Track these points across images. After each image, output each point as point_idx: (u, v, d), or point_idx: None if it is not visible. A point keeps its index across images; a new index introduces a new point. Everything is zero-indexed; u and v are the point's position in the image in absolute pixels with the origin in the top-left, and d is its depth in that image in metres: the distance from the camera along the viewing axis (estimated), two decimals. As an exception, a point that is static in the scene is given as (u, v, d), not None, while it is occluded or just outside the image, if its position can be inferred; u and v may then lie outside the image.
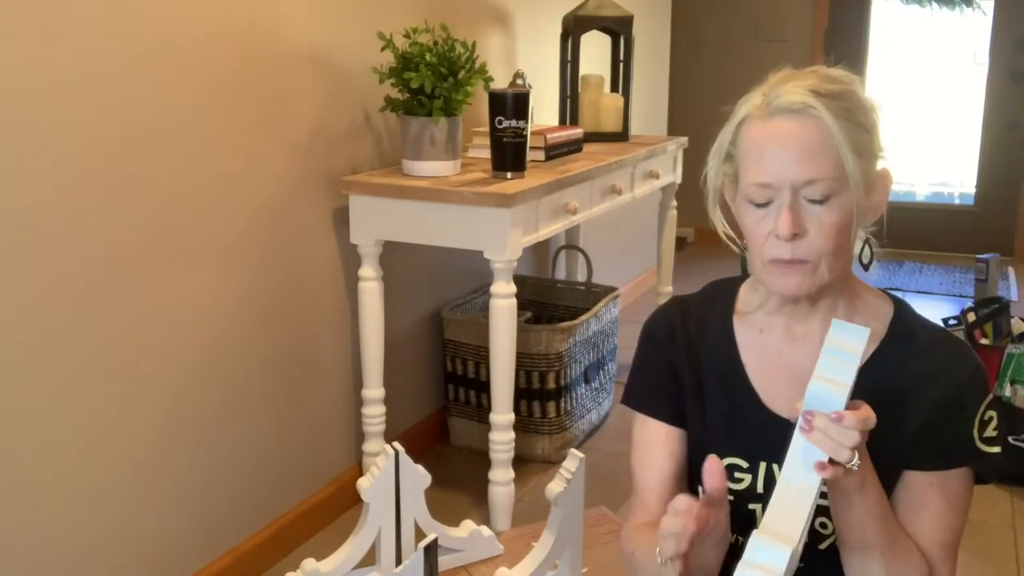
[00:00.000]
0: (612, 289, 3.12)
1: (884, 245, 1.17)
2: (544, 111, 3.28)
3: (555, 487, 1.24)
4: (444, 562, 1.46)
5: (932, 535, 1.09)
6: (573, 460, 1.25)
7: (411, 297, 2.67)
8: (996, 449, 1.10)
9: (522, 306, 2.68)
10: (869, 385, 1.11)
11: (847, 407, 0.95)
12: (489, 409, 2.28)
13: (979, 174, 5.23)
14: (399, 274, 2.54)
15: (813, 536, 1.13)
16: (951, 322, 3.02)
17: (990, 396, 1.11)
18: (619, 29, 3.14)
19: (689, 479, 1.23)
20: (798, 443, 0.96)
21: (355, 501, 2.34)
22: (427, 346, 2.78)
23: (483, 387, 2.66)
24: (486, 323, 2.26)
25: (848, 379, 0.96)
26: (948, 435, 1.09)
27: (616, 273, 3.99)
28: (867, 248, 1.15)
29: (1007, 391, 2.67)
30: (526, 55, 3.23)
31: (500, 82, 2.60)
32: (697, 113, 4.92)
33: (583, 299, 3.13)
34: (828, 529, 1.11)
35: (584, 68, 3.14)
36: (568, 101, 3.09)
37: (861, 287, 1.16)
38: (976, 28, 5.19)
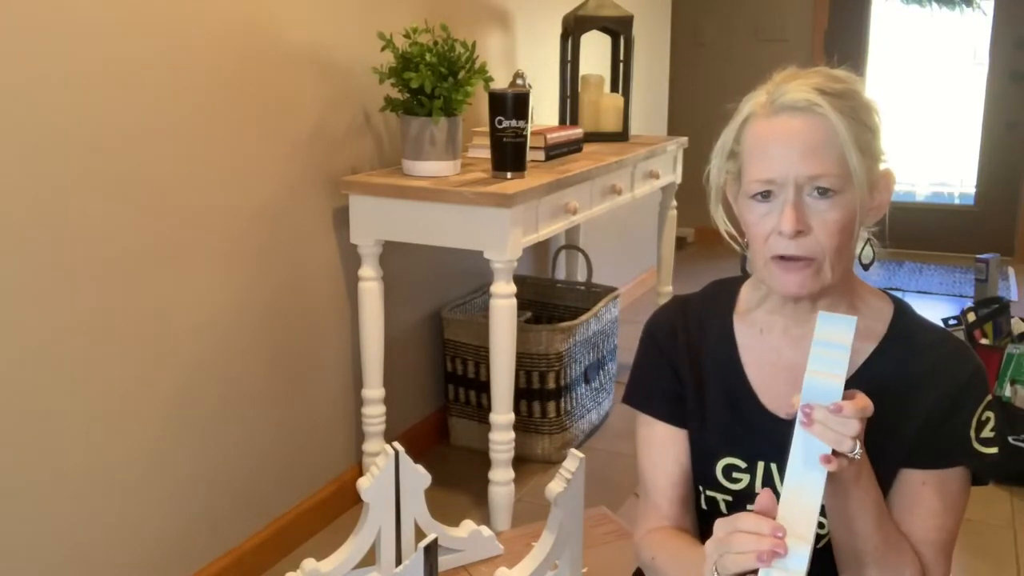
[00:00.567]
0: (612, 289, 3.12)
1: (886, 245, 1.17)
2: (544, 111, 3.28)
3: (555, 487, 1.24)
4: (444, 562, 1.46)
5: (926, 534, 1.09)
6: (573, 460, 1.25)
7: (411, 297, 2.67)
8: (993, 450, 1.10)
9: (522, 306, 2.69)
10: (869, 384, 1.10)
11: (844, 397, 0.96)
12: (489, 409, 2.28)
13: (979, 174, 5.23)
14: (399, 274, 2.54)
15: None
16: (951, 322, 3.02)
17: (989, 397, 1.11)
18: (619, 29, 3.14)
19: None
20: (799, 438, 0.96)
21: (355, 501, 2.34)
22: (427, 346, 2.78)
23: (483, 387, 2.66)
24: (486, 323, 2.26)
25: (841, 370, 0.96)
26: (945, 434, 1.09)
27: (616, 273, 3.99)
28: (868, 248, 1.15)
29: (1007, 391, 2.67)
30: (526, 55, 3.23)
31: (500, 82, 2.60)
32: (697, 113, 4.93)
33: (583, 299, 3.13)
34: (824, 528, 1.11)
35: (584, 68, 3.14)
36: (568, 101, 3.10)
37: (862, 287, 1.16)
38: (976, 28, 5.19)
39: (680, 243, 5.08)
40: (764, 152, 1.06)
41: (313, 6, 2.19)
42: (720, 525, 0.96)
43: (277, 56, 2.09)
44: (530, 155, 2.37)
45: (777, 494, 1.14)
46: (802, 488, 0.95)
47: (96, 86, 1.68)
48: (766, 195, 1.06)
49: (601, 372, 2.97)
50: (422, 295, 2.73)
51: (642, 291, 4.42)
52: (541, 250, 3.42)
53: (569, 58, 3.08)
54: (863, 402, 0.95)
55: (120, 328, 1.77)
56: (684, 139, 3.35)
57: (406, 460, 1.38)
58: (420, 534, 1.29)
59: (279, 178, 2.14)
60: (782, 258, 1.07)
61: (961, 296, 4.49)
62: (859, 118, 1.05)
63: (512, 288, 2.18)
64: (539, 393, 2.69)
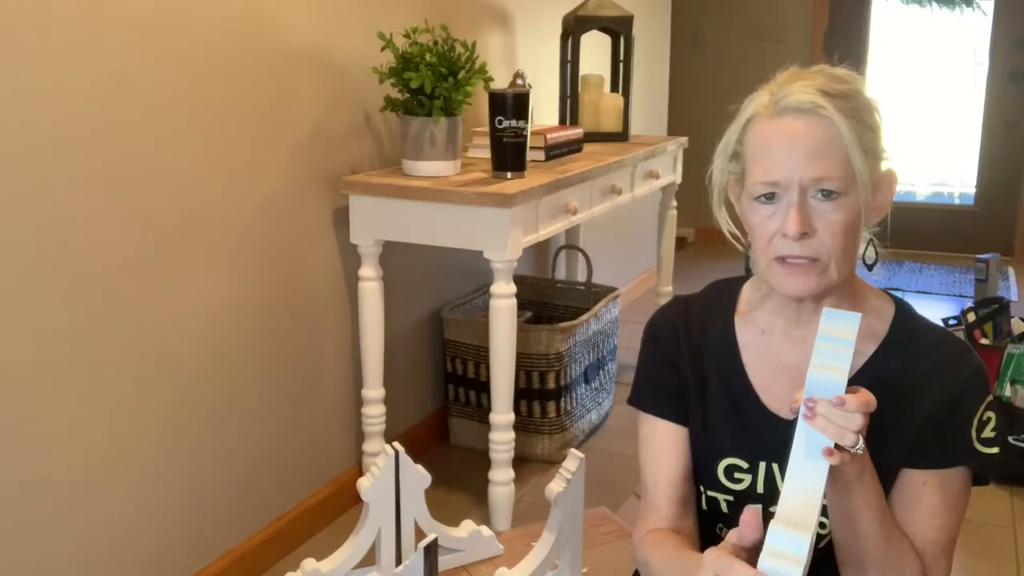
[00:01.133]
0: (612, 289, 3.12)
1: (887, 245, 1.17)
2: (544, 111, 3.28)
3: (555, 487, 1.24)
4: (444, 562, 1.46)
5: (926, 533, 1.09)
6: (573, 460, 1.25)
7: (411, 297, 2.67)
8: (994, 450, 1.10)
9: (522, 306, 2.69)
10: (869, 384, 1.10)
11: (846, 392, 0.96)
12: (489, 409, 2.27)
13: (979, 174, 5.23)
14: (399, 274, 2.54)
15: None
16: (951, 322, 3.02)
17: (990, 397, 1.11)
18: (619, 29, 3.14)
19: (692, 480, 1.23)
20: (802, 432, 0.97)
21: (355, 501, 2.34)
22: (427, 346, 2.78)
23: (483, 387, 2.66)
24: (486, 323, 2.26)
25: (845, 365, 0.97)
26: (946, 434, 1.09)
27: (616, 273, 3.99)
28: (871, 248, 1.15)
29: (1007, 391, 2.67)
30: (526, 55, 3.23)
31: (500, 82, 2.60)
32: (697, 113, 4.93)
33: (583, 299, 3.13)
34: (825, 528, 1.11)
35: (584, 68, 3.14)
36: (568, 101, 3.10)
37: (863, 288, 1.16)
38: (976, 28, 5.19)
39: (680, 243, 5.09)
40: (768, 154, 1.06)
41: (313, 6, 2.19)
42: (712, 565, 0.92)
43: (277, 56, 2.09)
44: (530, 155, 2.37)
45: (777, 495, 1.14)
46: (804, 480, 0.95)
47: (96, 87, 1.68)
48: (770, 197, 1.06)
49: (601, 372, 2.97)
50: (422, 295, 2.73)
51: (642, 291, 4.42)
52: (541, 250, 3.42)
53: (569, 58, 3.08)
54: (866, 396, 0.95)
55: (120, 328, 1.77)
56: (684, 139, 3.35)
57: (406, 460, 1.38)
58: (420, 534, 1.29)
59: (279, 178, 2.14)
60: (786, 260, 1.07)
61: (961, 296, 4.49)
62: (862, 119, 1.05)
63: (512, 288, 2.18)
64: (539, 393, 2.69)
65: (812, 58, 5.12)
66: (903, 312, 1.16)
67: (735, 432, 1.17)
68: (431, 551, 1.12)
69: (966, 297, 4.41)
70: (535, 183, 2.22)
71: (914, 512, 1.10)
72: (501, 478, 2.29)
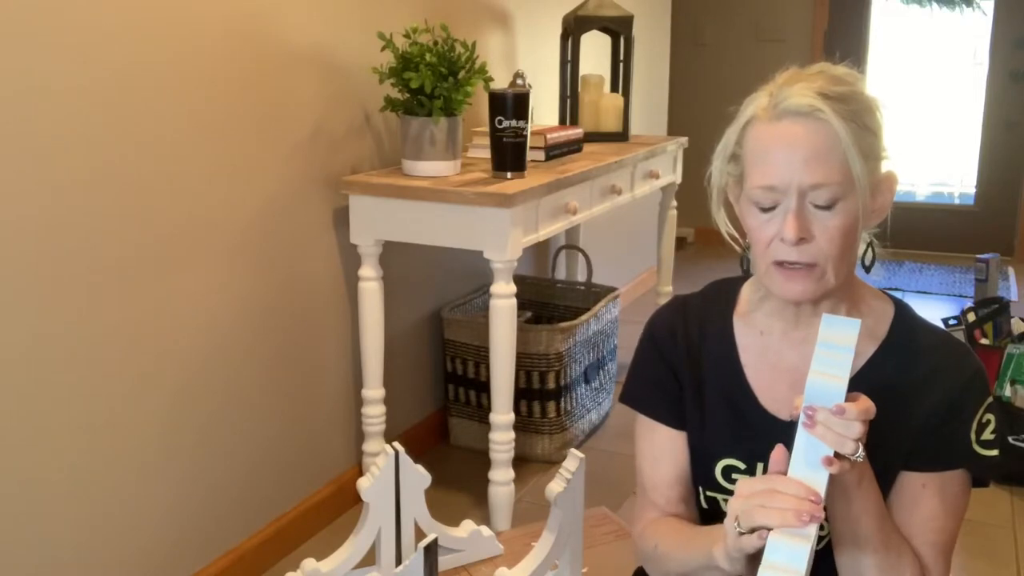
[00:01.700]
0: (612, 289, 3.12)
1: (886, 246, 1.17)
2: (544, 111, 3.28)
3: (555, 487, 1.24)
4: (444, 562, 1.46)
5: (925, 536, 1.09)
6: (573, 460, 1.25)
7: (411, 297, 2.67)
8: (994, 452, 1.09)
9: (522, 306, 2.69)
10: (869, 386, 1.10)
11: (846, 399, 0.96)
12: (489, 409, 2.27)
13: (979, 174, 5.23)
14: (399, 274, 2.54)
15: None
16: (951, 322, 3.02)
17: (989, 399, 1.11)
18: (619, 29, 3.14)
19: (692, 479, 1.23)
20: (801, 440, 0.96)
21: (355, 501, 2.34)
22: (427, 346, 2.78)
23: (483, 387, 2.66)
24: (486, 323, 2.26)
25: (845, 372, 0.96)
26: (945, 436, 1.09)
27: (616, 273, 3.99)
28: (870, 250, 1.15)
29: (1007, 391, 2.67)
30: (526, 55, 3.23)
31: (500, 82, 2.60)
32: (697, 113, 4.93)
33: (583, 299, 3.13)
34: (824, 529, 1.11)
35: (584, 68, 3.14)
36: (568, 101, 3.09)
37: (863, 289, 1.16)
38: (976, 28, 5.19)
39: (680, 243, 5.09)
40: (766, 158, 1.05)
41: (313, 7, 2.19)
42: (750, 482, 0.97)
43: (277, 56, 2.09)
44: (530, 155, 2.37)
45: None
46: (813, 454, 0.95)
47: (95, 88, 1.68)
48: (768, 201, 1.06)
49: (601, 372, 2.97)
50: (422, 295, 2.73)
51: (642, 291, 4.42)
52: (541, 250, 3.42)
53: (569, 58, 3.08)
54: (865, 404, 0.95)
55: (121, 328, 1.77)
56: (684, 139, 3.35)
57: (406, 460, 1.38)
58: (420, 534, 1.29)
59: (279, 178, 2.14)
60: (784, 264, 1.06)
61: (961, 296, 4.49)
62: (861, 121, 1.04)
63: (512, 288, 2.18)
64: (539, 393, 2.69)
65: (812, 58, 5.10)
66: (902, 314, 1.16)
67: (733, 433, 1.17)
68: (431, 551, 1.12)
69: (966, 297, 4.41)
70: (535, 183, 2.22)
71: (913, 515, 1.09)
72: (501, 478, 2.29)
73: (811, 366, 0.98)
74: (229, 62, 1.96)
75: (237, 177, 2.02)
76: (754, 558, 0.98)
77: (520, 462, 2.55)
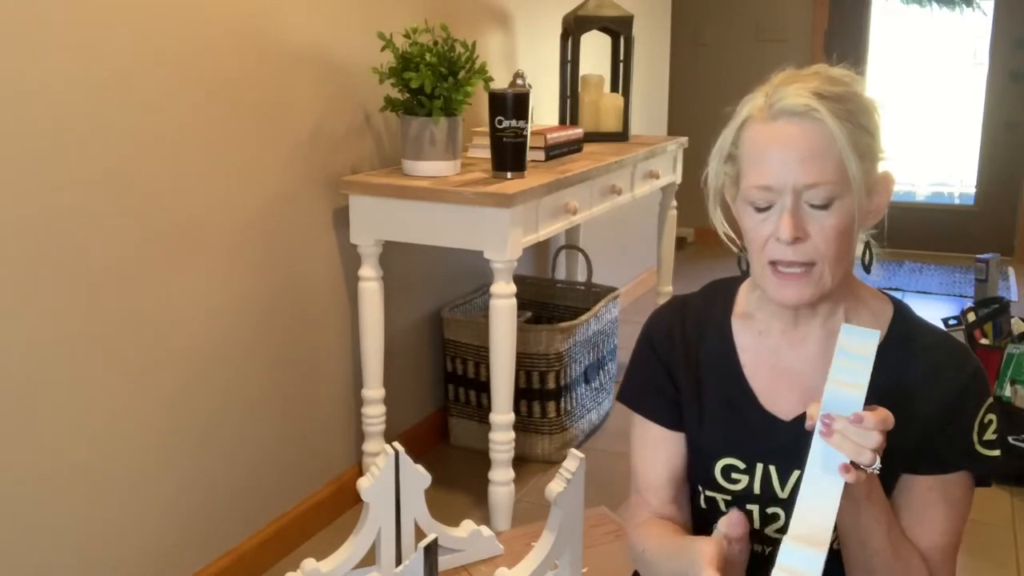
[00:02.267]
0: (612, 289, 3.12)
1: (884, 246, 1.17)
2: (544, 111, 3.28)
3: (555, 487, 1.24)
4: (444, 562, 1.46)
5: (932, 539, 1.09)
6: (573, 460, 1.25)
7: (411, 297, 2.67)
8: (996, 452, 1.09)
9: (522, 306, 2.68)
10: (869, 388, 1.10)
11: (864, 410, 0.95)
12: (489, 409, 2.27)
13: (979, 174, 5.23)
14: (399, 274, 2.54)
15: None
16: (951, 322, 3.02)
17: (990, 399, 1.11)
18: (619, 29, 3.14)
19: (690, 479, 1.23)
20: (817, 447, 0.96)
21: (355, 501, 2.34)
22: (427, 346, 2.78)
23: (483, 387, 2.66)
24: (486, 323, 2.26)
25: (863, 381, 0.96)
26: (948, 439, 1.09)
27: (616, 273, 3.99)
28: (868, 251, 1.15)
29: (1007, 391, 2.67)
30: (526, 55, 3.23)
31: (500, 82, 2.60)
32: (697, 113, 4.93)
33: (583, 299, 3.13)
34: (833, 538, 1.11)
35: (584, 68, 3.14)
36: (568, 101, 3.09)
37: (862, 289, 1.16)
38: (976, 28, 5.19)
39: (680, 243, 5.09)
40: (762, 158, 1.05)
41: (313, 7, 2.19)
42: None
43: (277, 56, 2.09)
44: (530, 155, 2.37)
45: (776, 497, 1.14)
46: (819, 497, 0.94)
47: (95, 88, 1.68)
48: (764, 201, 1.06)
49: (601, 372, 2.97)
50: (422, 295, 2.73)
51: (642, 291, 4.42)
52: (541, 250, 3.42)
53: (569, 58, 3.08)
54: (884, 414, 0.95)
55: (120, 328, 1.77)
56: (684, 139, 3.35)
57: (406, 460, 1.38)
58: (420, 534, 1.29)
59: (279, 178, 2.14)
60: (779, 266, 1.06)
61: (961, 296, 4.48)
62: (857, 121, 1.04)
63: (512, 288, 2.18)
64: (539, 393, 2.69)
65: (812, 58, 5.12)
66: (902, 314, 1.15)
67: (732, 433, 1.17)
68: (431, 551, 1.12)
69: (966, 297, 4.41)
70: (535, 183, 2.22)
71: (918, 518, 1.09)
72: (501, 478, 2.29)
73: (830, 374, 0.97)
74: (229, 62, 1.96)
75: (237, 177, 2.02)
76: (743, 538, 1.00)
77: (520, 462, 2.55)
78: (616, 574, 1.44)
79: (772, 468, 1.14)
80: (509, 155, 2.24)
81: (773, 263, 1.07)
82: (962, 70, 5.38)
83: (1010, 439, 2.58)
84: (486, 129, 2.36)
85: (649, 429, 1.23)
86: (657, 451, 1.22)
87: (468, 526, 1.51)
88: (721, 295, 1.24)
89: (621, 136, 3.10)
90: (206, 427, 2.00)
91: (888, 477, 1.09)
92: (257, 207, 2.08)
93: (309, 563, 1.37)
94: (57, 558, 1.70)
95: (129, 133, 1.75)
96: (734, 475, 1.16)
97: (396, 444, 1.39)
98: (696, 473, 1.21)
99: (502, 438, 2.27)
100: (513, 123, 2.22)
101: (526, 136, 2.25)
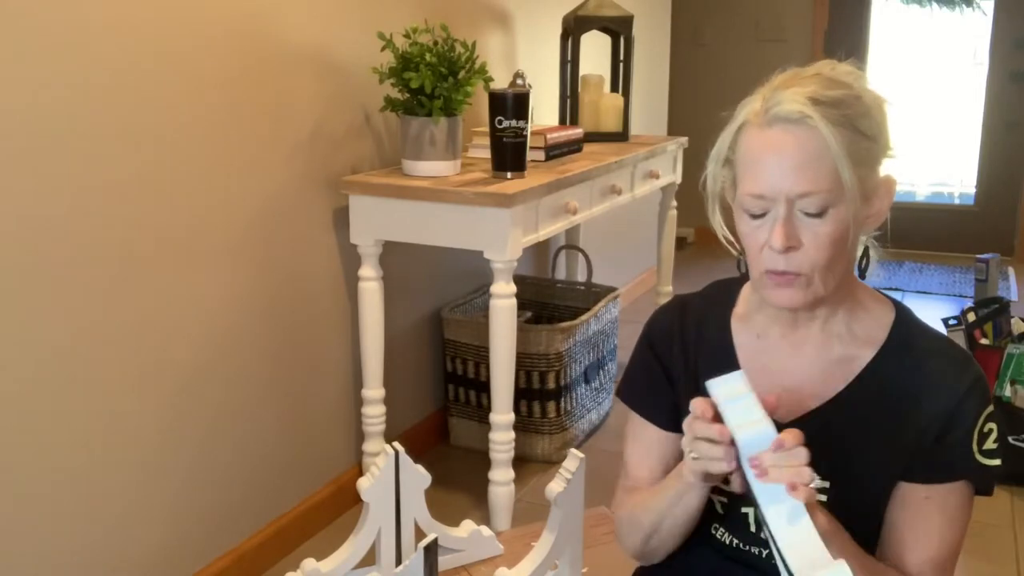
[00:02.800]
0: (612, 289, 3.12)
1: (887, 246, 1.16)
2: (544, 111, 3.28)
3: (555, 487, 1.24)
4: (444, 562, 1.46)
5: (927, 551, 1.08)
6: (573, 460, 1.25)
7: (411, 297, 2.67)
8: (996, 461, 1.08)
9: (522, 306, 2.69)
10: (868, 393, 1.10)
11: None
12: (489, 409, 2.27)
13: (979, 174, 5.23)
14: (399, 274, 2.54)
15: None
16: (951, 322, 3.01)
17: (990, 408, 1.09)
18: (619, 29, 3.14)
19: None
20: (761, 492, 0.95)
21: (355, 501, 2.34)
22: (427, 346, 2.78)
23: (483, 387, 2.66)
24: (486, 323, 2.26)
25: (760, 413, 0.96)
26: (947, 448, 1.07)
27: (616, 273, 3.99)
28: (866, 256, 1.14)
29: (1007, 391, 2.67)
30: (526, 55, 3.23)
31: (500, 82, 2.60)
32: (697, 113, 4.93)
33: (583, 299, 3.13)
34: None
35: (584, 68, 3.14)
36: (568, 101, 3.09)
37: (862, 292, 1.15)
38: (976, 28, 5.19)
39: (680, 243, 5.08)
40: (756, 166, 1.04)
41: (313, 6, 2.19)
42: (685, 427, 1.03)
43: (277, 56, 2.09)
44: (530, 155, 2.37)
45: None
46: (793, 532, 0.93)
47: (94, 88, 1.68)
48: (758, 208, 1.05)
49: (601, 372, 2.97)
50: (422, 295, 2.73)
51: (642, 291, 4.42)
52: (541, 250, 3.42)
53: (569, 58, 3.08)
54: (794, 431, 0.96)
55: (120, 328, 1.77)
56: (684, 139, 3.35)
57: (406, 460, 1.38)
58: (420, 534, 1.29)
59: (279, 178, 2.14)
60: (774, 273, 1.06)
61: (961, 296, 4.49)
62: (855, 126, 1.02)
63: (512, 288, 2.18)
64: (539, 393, 2.69)
65: (812, 58, 5.10)
66: (903, 318, 1.14)
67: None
68: (431, 551, 1.12)
69: (966, 297, 4.41)
70: (535, 183, 2.22)
71: (916, 527, 1.08)
72: (501, 478, 2.29)
73: (729, 426, 0.97)
74: (229, 62, 1.96)
75: (237, 177, 2.02)
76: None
77: (520, 462, 2.55)
78: (616, 574, 1.44)
79: None
80: (509, 155, 2.24)
81: (768, 272, 1.06)
82: (962, 70, 5.38)
83: (1010, 439, 2.57)
84: (486, 129, 2.36)
85: (645, 428, 1.23)
86: (649, 450, 1.23)
87: (468, 526, 1.51)
88: (722, 296, 1.23)
89: (621, 136, 3.10)
90: (206, 427, 2.00)
91: (884, 482, 1.08)
92: (257, 207, 2.08)
93: (309, 563, 1.37)
94: (58, 558, 1.70)
95: (128, 133, 1.75)
96: (729, 477, 1.16)
97: (396, 444, 1.39)
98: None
99: (502, 438, 2.27)
100: (513, 123, 2.22)
101: (526, 136, 2.25)
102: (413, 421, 2.74)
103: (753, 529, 1.14)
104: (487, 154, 2.33)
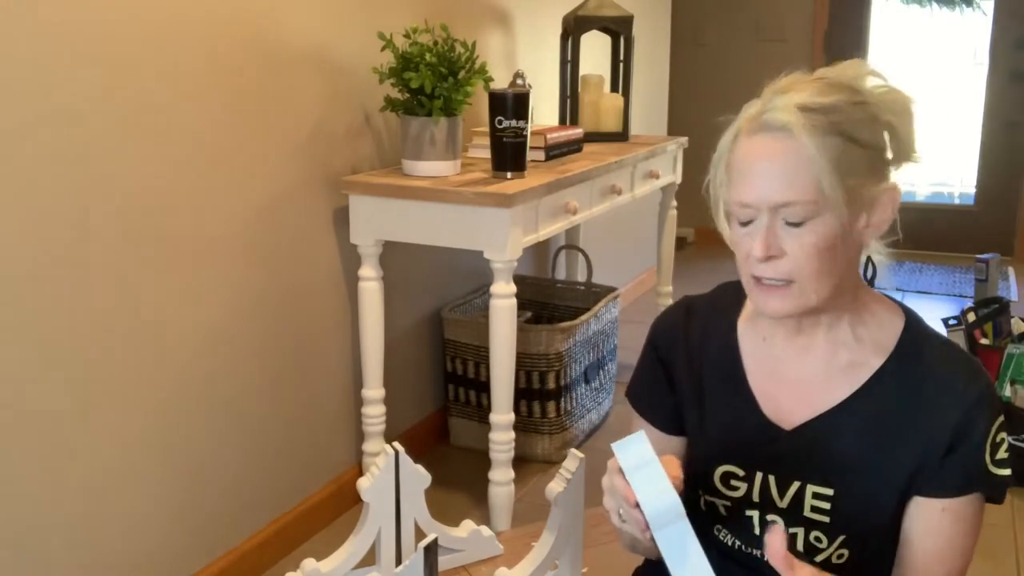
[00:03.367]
0: (612, 289, 3.12)
1: (899, 246, 1.15)
2: (544, 111, 3.28)
3: (555, 487, 1.24)
4: (444, 562, 1.46)
5: (943, 562, 1.07)
6: (573, 460, 1.25)
7: (411, 297, 2.67)
8: (1007, 472, 1.07)
9: (522, 306, 2.68)
10: (875, 400, 1.09)
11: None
12: (489, 409, 2.27)
13: (979, 174, 5.23)
14: (399, 274, 2.54)
15: (808, 550, 1.12)
16: (951, 322, 3.02)
17: (1001, 419, 1.07)
18: (619, 29, 3.14)
19: (686, 483, 1.23)
20: (668, 546, 0.96)
21: (355, 501, 2.34)
22: (427, 346, 2.78)
23: (483, 387, 2.66)
24: (486, 323, 2.26)
25: (664, 480, 0.96)
26: (959, 460, 1.06)
27: (616, 273, 3.99)
28: (870, 265, 1.14)
29: (1007, 391, 2.67)
30: (526, 55, 3.23)
31: (500, 82, 2.60)
32: (697, 113, 4.92)
33: (583, 299, 3.13)
34: (823, 543, 1.11)
35: (584, 68, 3.14)
36: (568, 101, 3.09)
37: (870, 298, 1.13)
38: (976, 28, 5.19)
39: (680, 243, 5.08)
40: (743, 174, 1.04)
41: (313, 6, 2.19)
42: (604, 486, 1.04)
43: (277, 56, 2.09)
44: (530, 155, 2.37)
45: (774, 505, 1.13)
46: (686, 556, 0.95)
47: (94, 88, 1.68)
48: (745, 216, 1.05)
49: (601, 372, 2.97)
50: (422, 295, 2.73)
51: (642, 291, 4.42)
52: (541, 250, 3.42)
53: (569, 58, 3.08)
54: (675, 470, 0.99)
55: (120, 328, 1.77)
56: (684, 139, 3.35)
57: (406, 460, 1.38)
58: (420, 534, 1.29)
59: (279, 178, 2.14)
60: (762, 280, 1.05)
61: (961, 296, 4.48)
62: (849, 134, 1.01)
63: (512, 288, 2.18)
64: (539, 393, 2.69)
65: (812, 58, 5.12)
66: (911, 325, 1.12)
67: (732, 440, 1.16)
68: (431, 551, 1.12)
69: (966, 297, 4.41)
70: (535, 183, 2.22)
71: (930, 540, 1.08)
72: (501, 478, 2.29)
73: (637, 497, 0.97)
74: (229, 62, 1.96)
75: (237, 177, 2.02)
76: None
77: (520, 462, 2.55)
78: (616, 574, 1.44)
79: (771, 477, 1.12)
80: (509, 155, 2.24)
81: (755, 278, 1.06)
82: (962, 70, 5.38)
83: (1010, 439, 2.57)
84: (486, 129, 2.36)
85: (648, 430, 1.23)
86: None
87: (468, 526, 1.51)
88: (729, 298, 1.22)
89: (621, 136, 3.10)
90: (206, 427, 2.00)
91: (889, 492, 1.08)
92: (257, 207, 2.08)
93: (309, 563, 1.37)
94: (58, 558, 1.70)
95: (128, 133, 1.75)
96: (733, 482, 1.15)
97: (396, 444, 1.39)
98: (696, 478, 1.20)
99: (502, 438, 2.27)
100: (513, 123, 2.22)
101: (526, 136, 2.25)
102: (413, 421, 2.74)
103: (757, 531, 1.14)
104: (487, 154, 2.33)
